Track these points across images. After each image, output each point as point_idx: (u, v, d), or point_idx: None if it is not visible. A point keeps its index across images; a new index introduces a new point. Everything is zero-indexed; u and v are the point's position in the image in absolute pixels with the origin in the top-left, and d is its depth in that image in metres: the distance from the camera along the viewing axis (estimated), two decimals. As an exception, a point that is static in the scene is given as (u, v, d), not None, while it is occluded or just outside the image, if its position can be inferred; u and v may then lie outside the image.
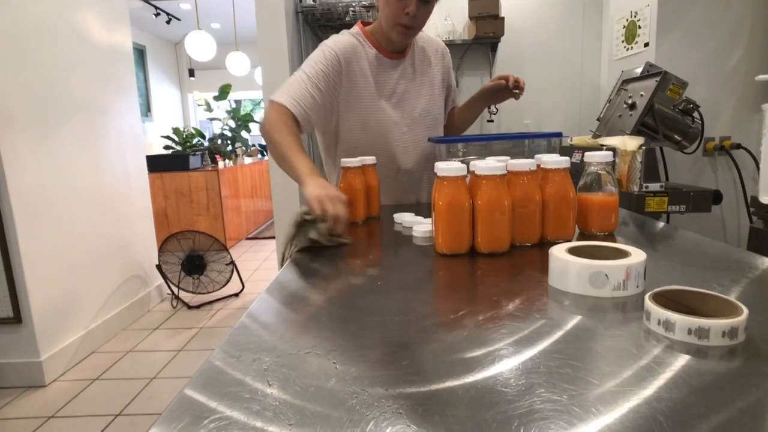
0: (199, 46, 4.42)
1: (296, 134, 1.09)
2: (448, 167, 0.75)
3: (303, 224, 0.86)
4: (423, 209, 1.18)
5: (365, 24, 1.27)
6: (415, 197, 1.34)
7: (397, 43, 1.20)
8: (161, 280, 3.03)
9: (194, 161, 4.34)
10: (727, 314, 0.44)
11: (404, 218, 1.03)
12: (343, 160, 1.07)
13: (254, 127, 5.63)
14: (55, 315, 2.14)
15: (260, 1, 2.44)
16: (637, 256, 0.57)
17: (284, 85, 1.14)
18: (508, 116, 3.52)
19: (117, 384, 2.05)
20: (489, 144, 1.16)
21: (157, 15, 5.49)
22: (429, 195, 1.31)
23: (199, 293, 3.00)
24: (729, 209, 2.27)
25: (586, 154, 0.85)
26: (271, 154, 1.11)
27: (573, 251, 0.61)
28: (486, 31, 3.12)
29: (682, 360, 0.41)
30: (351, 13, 2.72)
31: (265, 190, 5.71)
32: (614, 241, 0.82)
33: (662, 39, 2.20)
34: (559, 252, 0.61)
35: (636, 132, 1.81)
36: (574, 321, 0.50)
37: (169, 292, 2.99)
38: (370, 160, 1.11)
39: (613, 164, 0.87)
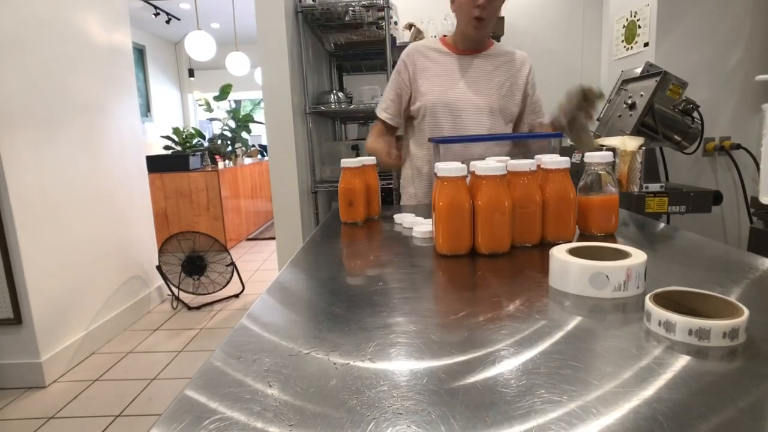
0: (199, 46, 4.42)
1: (382, 135, 1.48)
2: (447, 167, 0.75)
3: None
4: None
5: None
6: None
7: (472, 38, 1.36)
8: (161, 281, 3.03)
9: (194, 161, 4.34)
10: (728, 315, 0.44)
11: (404, 219, 1.03)
12: (343, 160, 1.08)
13: (254, 128, 5.62)
14: (55, 316, 2.14)
15: (260, 1, 2.44)
16: (638, 257, 0.57)
17: (384, 98, 1.49)
18: (508, 116, 3.52)
19: (117, 385, 2.05)
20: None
21: (156, 15, 5.49)
22: None
23: (200, 294, 3.00)
24: (729, 210, 2.27)
25: (586, 154, 0.85)
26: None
27: (573, 252, 0.61)
28: (486, 31, 3.11)
29: (682, 361, 0.41)
30: (351, 13, 2.72)
31: (265, 191, 5.71)
32: (614, 241, 0.82)
33: (662, 39, 2.20)
34: (559, 253, 0.61)
35: (636, 132, 1.81)
36: (574, 322, 0.50)
37: (170, 293, 2.99)
38: (369, 160, 1.11)
39: (613, 164, 0.87)
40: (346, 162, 1.07)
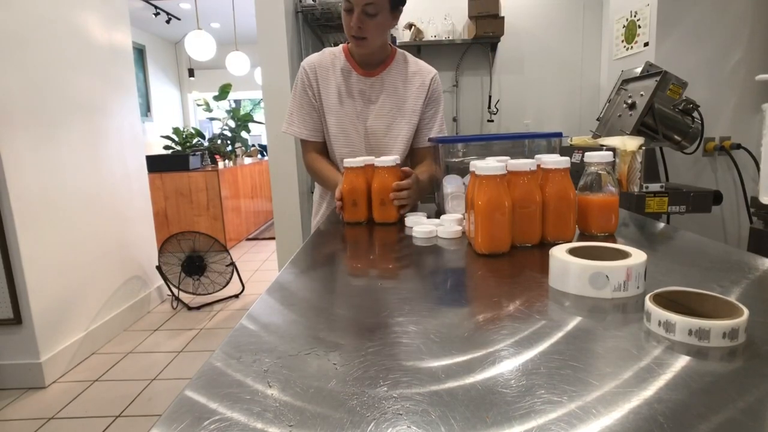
0: (199, 46, 4.42)
1: (322, 161, 1.34)
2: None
3: None
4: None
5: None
6: None
7: (359, 54, 1.29)
8: (161, 281, 3.03)
9: (194, 161, 4.34)
10: (728, 315, 0.44)
11: (405, 218, 1.03)
12: (346, 160, 1.08)
13: (254, 127, 5.62)
14: (55, 316, 2.14)
15: (260, 1, 2.44)
16: (638, 256, 0.57)
17: (287, 113, 1.35)
18: (508, 116, 3.52)
19: (117, 385, 2.05)
20: (489, 144, 1.16)
21: (156, 14, 5.49)
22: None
23: (200, 294, 3.00)
24: (729, 210, 2.27)
25: (586, 154, 0.85)
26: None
27: (573, 252, 0.61)
28: (486, 31, 3.12)
29: (682, 361, 0.41)
30: (351, 13, 2.72)
31: (265, 191, 5.71)
32: (614, 241, 0.82)
33: (662, 39, 2.20)
34: (559, 253, 0.61)
35: (636, 132, 1.81)
36: (574, 322, 0.50)
37: (169, 293, 2.99)
38: (371, 160, 1.11)
39: (613, 164, 0.87)
40: (349, 162, 1.07)
